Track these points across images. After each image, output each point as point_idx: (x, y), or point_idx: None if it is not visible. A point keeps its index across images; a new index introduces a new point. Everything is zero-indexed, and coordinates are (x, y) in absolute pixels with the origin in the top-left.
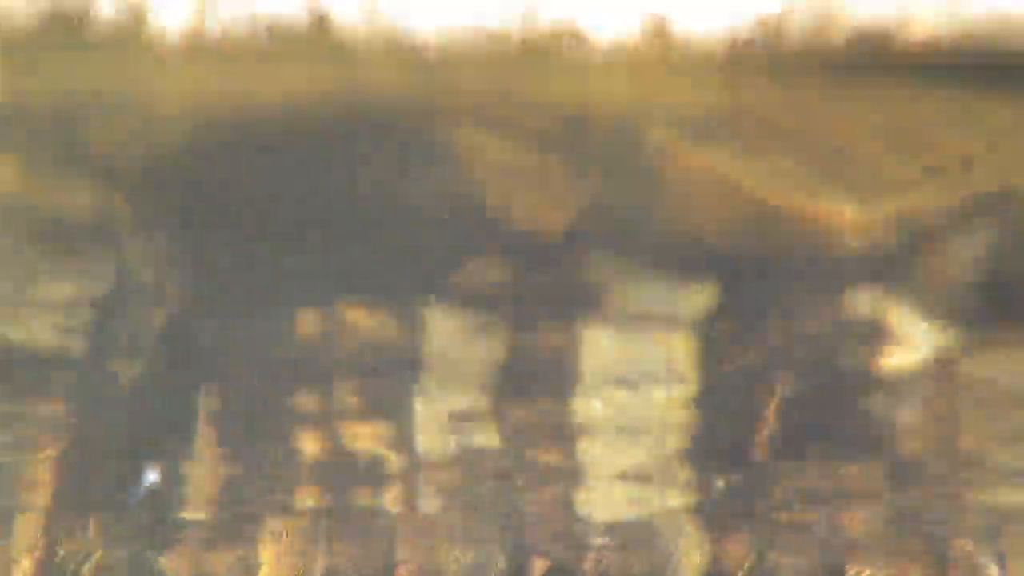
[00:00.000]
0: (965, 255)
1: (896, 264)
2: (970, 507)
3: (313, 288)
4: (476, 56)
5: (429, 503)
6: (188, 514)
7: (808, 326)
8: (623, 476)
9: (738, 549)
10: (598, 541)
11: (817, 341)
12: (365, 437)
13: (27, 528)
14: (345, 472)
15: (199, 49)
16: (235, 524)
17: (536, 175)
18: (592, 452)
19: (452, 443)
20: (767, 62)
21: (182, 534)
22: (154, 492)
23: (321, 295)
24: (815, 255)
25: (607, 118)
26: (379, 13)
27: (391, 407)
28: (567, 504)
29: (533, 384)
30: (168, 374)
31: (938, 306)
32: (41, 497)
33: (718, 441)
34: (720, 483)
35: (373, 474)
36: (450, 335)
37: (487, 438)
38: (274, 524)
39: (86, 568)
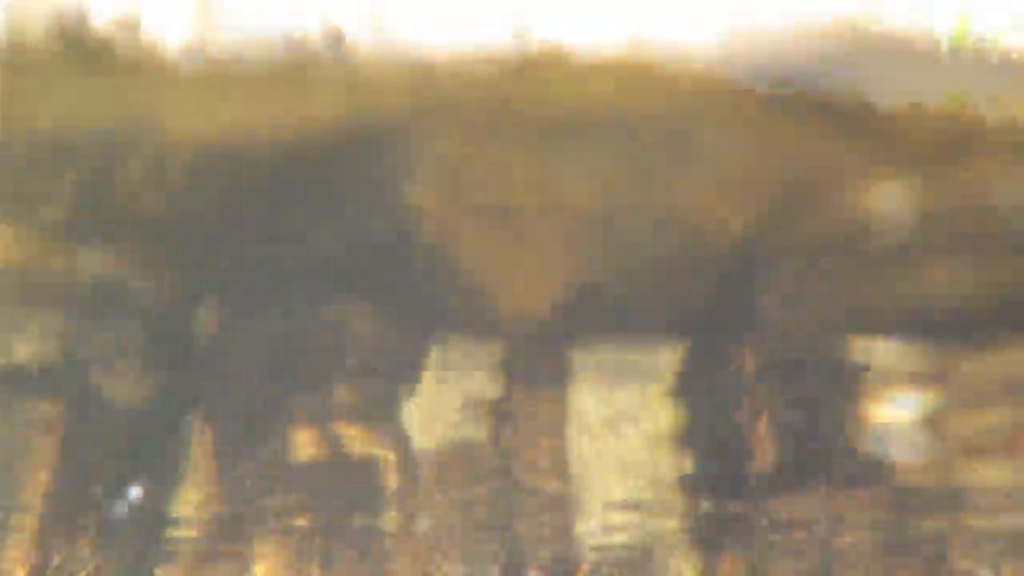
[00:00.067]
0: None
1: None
2: (969, 530)
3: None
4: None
5: (424, 524)
6: (181, 530)
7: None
8: (616, 505)
9: (732, 568)
10: (591, 557)
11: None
12: (361, 445)
13: (19, 539)
14: (341, 489)
15: (202, 70)
16: (230, 537)
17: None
18: (586, 483)
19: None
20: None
21: (176, 548)
22: (147, 505)
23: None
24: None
25: None
26: (385, 31)
27: (387, 427)
28: (563, 530)
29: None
30: (162, 386)
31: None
32: (33, 507)
33: (709, 469)
34: (712, 507)
35: (370, 493)
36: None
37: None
38: (269, 540)
39: None
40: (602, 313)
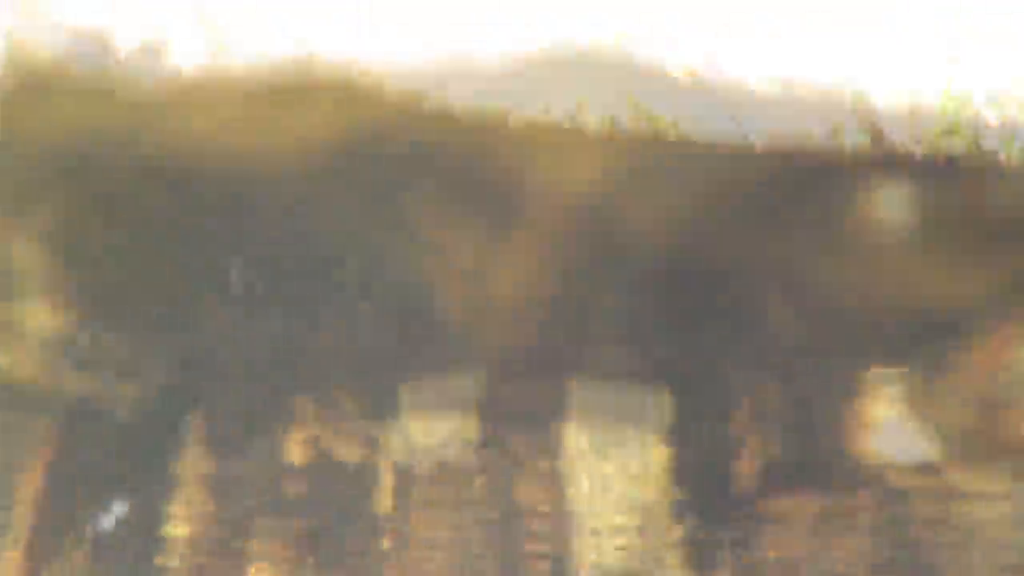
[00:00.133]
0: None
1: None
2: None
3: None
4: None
5: (419, 544)
6: (174, 542)
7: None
8: (610, 528)
9: None
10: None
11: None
12: (355, 455)
13: (9, 552)
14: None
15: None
16: (222, 549)
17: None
18: (580, 505)
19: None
20: None
21: (169, 559)
22: (141, 517)
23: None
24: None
25: None
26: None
27: (380, 448)
28: (557, 556)
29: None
30: (156, 400)
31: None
32: (24, 519)
33: (701, 490)
34: (705, 525)
35: (364, 510)
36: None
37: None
38: (261, 550)
39: None
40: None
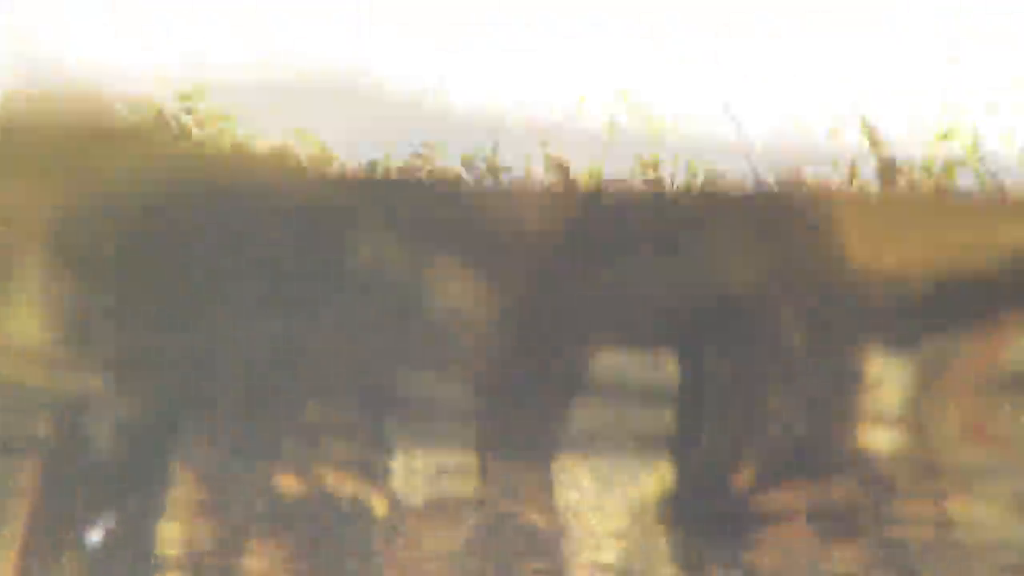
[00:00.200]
0: None
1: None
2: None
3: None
4: None
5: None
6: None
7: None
8: (606, 534)
9: None
10: None
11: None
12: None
13: (5, 551)
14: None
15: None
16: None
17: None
18: (574, 517)
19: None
20: None
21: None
22: (130, 533)
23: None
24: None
25: None
26: None
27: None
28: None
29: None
30: (149, 415)
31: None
32: (15, 531)
33: (700, 500)
34: (700, 527)
35: (357, 535)
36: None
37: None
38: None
39: None
40: None
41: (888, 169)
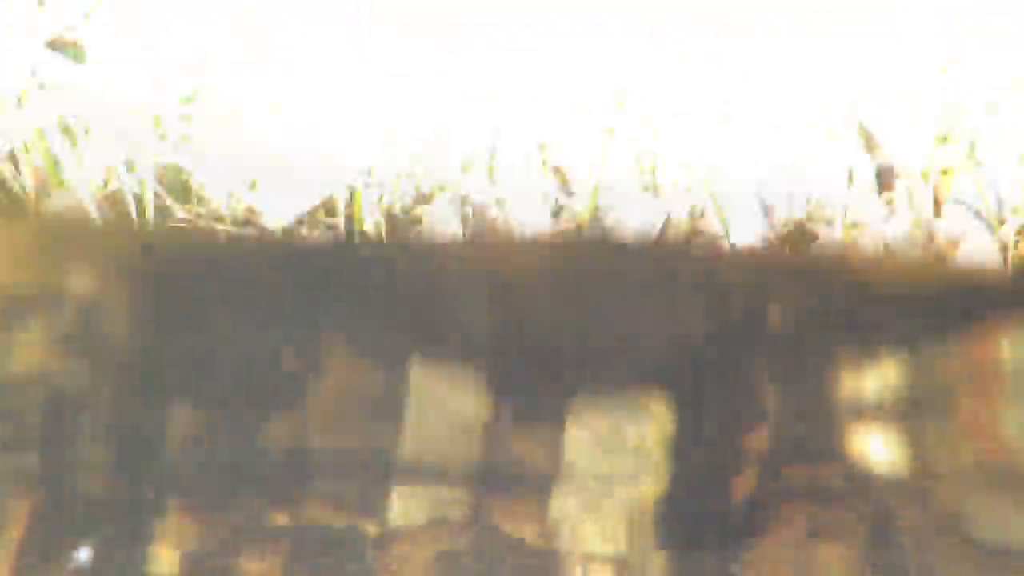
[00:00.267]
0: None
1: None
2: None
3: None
4: None
5: None
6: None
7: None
8: (602, 559)
9: None
10: None
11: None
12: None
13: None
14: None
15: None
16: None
17: None
18: (569, 536)
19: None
20: None
21: None
22: (120, 556)
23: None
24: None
25: None
26: None
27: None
28: None
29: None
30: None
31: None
32: (7, 545)
33: (692, 519)
34: (695, 540)
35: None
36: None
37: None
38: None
39: None
40: None
41: (886, 174)
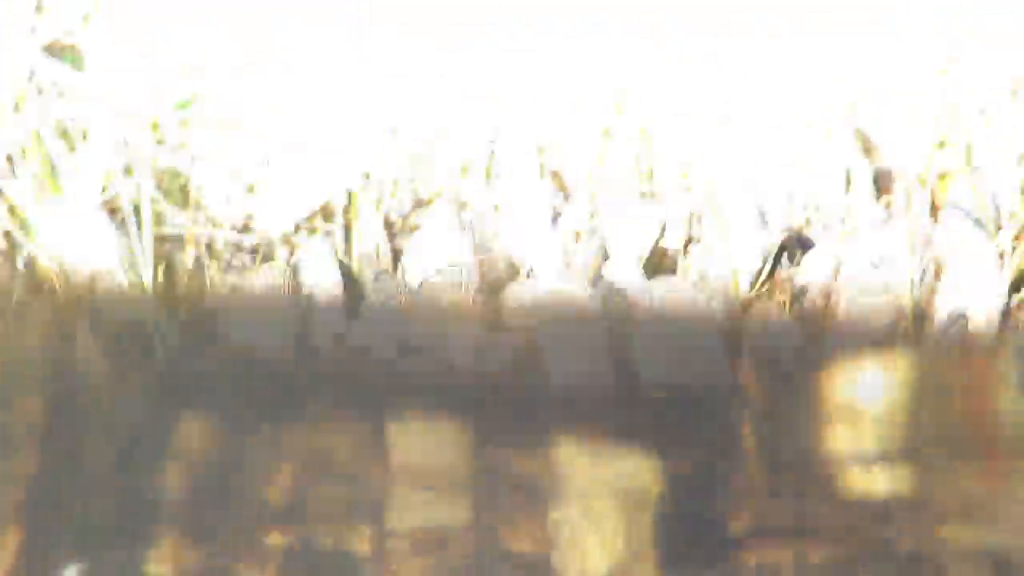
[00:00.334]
0: None
1: None
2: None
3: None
4: None
5: None
6: None
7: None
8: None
9: None
10: None
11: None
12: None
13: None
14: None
15: None
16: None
17: None
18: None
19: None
20: None
21: None
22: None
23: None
24: None
25: None
26: None
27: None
28: None
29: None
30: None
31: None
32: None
33: (689, 538)
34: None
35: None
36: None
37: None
38: None
39: None
40: None
41: (883, 177)
